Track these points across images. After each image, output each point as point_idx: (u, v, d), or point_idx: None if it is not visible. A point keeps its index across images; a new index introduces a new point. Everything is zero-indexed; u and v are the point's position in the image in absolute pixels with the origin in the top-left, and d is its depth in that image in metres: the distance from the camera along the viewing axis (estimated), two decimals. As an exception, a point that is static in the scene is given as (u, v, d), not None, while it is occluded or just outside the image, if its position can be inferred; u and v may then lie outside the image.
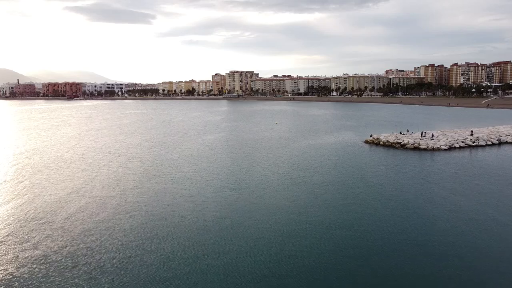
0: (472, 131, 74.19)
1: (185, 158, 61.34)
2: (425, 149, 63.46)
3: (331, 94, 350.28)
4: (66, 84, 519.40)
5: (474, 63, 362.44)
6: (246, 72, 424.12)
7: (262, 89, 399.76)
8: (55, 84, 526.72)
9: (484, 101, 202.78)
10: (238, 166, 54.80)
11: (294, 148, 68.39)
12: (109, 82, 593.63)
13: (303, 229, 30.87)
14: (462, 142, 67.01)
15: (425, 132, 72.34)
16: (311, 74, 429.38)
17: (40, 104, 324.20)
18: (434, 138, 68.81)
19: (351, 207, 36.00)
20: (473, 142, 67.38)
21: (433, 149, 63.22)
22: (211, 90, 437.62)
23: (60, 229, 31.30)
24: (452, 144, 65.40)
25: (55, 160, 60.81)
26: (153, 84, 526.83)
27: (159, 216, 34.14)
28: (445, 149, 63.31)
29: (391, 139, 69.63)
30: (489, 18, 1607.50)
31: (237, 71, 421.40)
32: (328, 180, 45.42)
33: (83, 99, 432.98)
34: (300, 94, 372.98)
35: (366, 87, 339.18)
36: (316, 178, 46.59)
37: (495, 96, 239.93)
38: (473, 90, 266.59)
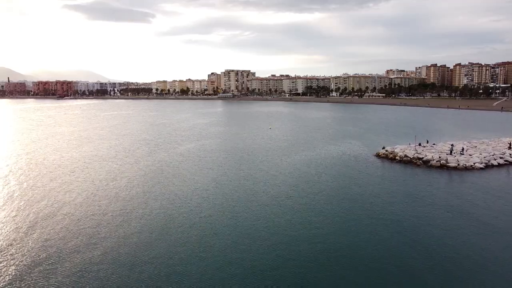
0: (510, 143, 60.00)
1: (146, 175, 47.40)
2: (455, 168, 49.62)
3: (331, 94, 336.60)
4: (57, 82, 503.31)
5: (478, 63, 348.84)
6: (242, 71, 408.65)
7: (259, 89, 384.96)
8: (46, 83, 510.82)
9: (496, 103, 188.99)
10: (212, 187, 40.84)
11: (287, 164, 54.42)
12: (103, 81, 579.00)
13: None
14: (501, 157, 53.12)
15: (451, 145, 58.09)
16: (311, 74, 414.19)
17: (28, 104, 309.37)
18: (464, 152, 54.98)
19: (363, 260, 22.14)
20: (514, 158, 53.58)
21: (465, 168, 49.39)
22: (206, 90, 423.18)
23: None
24: (489, 161, 51.50)
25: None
26: (148, 83, 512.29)
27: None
28: (480, 168, 49.49)
29: (410, 153, 55.62)
30: (489, 19, 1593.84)
31: (232, 70, 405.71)
32: (330, 216, 31.54)
33: (73, 99, 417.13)
34: (298, 94, 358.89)
35: (367, 88, 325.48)
36: (315, 216, 32.65)
37: (505, 98, 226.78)
38: (481, 91, 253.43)
